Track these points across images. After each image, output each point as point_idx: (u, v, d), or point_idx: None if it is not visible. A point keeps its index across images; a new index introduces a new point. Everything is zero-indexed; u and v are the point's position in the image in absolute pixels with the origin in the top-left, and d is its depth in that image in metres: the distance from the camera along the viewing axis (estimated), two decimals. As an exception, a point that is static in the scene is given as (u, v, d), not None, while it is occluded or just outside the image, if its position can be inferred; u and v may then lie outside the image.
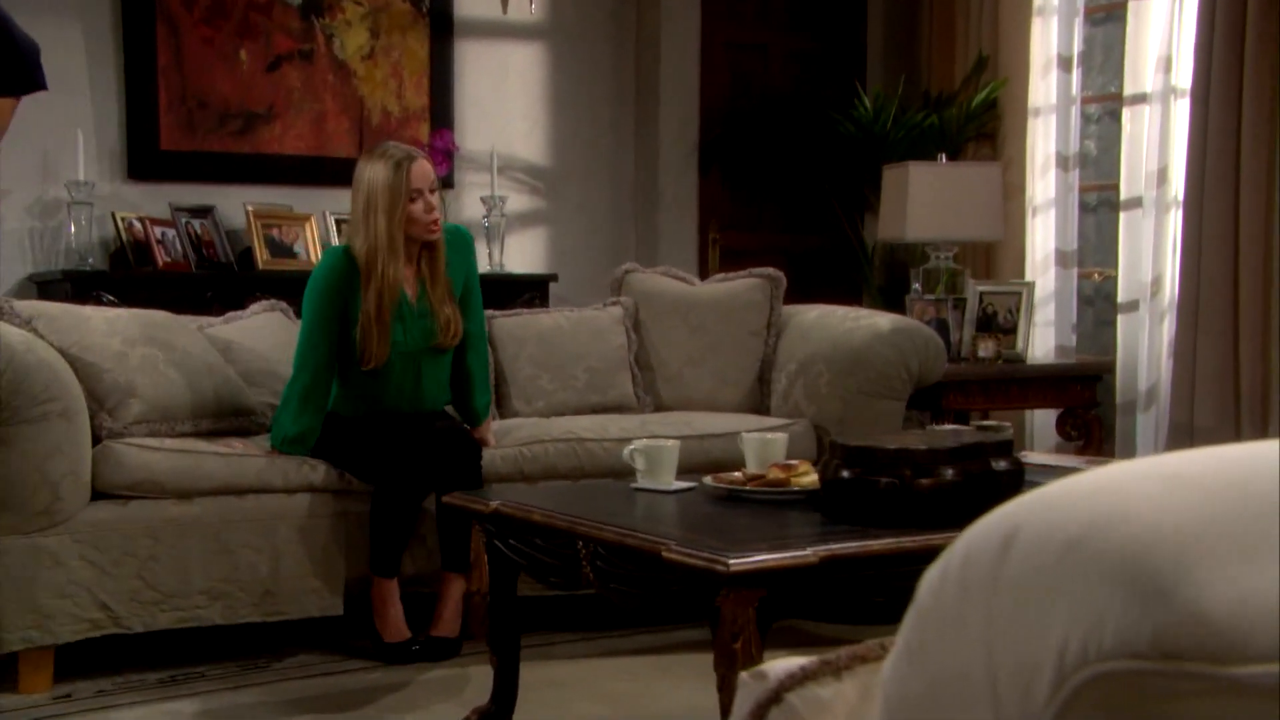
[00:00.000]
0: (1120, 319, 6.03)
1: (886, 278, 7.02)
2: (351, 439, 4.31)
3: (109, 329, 4.26)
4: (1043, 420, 6.34)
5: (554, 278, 6.69)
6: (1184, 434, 5.49)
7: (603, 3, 7.08)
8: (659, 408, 5.19)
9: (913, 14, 7.26)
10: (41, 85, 3.80)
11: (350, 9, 6.52)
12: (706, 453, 4.53)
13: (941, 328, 5.40)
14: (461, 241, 4.55)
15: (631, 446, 3.58)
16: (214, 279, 5.98)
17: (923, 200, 5.82)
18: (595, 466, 4.57)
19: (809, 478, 3.44)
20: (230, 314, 4.95)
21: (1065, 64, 6.41)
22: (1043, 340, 6.27)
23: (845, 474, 3.22)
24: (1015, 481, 3.39)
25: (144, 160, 6.16)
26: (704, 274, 6.58)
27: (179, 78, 6.19)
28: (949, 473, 3.22)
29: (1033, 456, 3.81)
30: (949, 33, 6.92)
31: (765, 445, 3.73)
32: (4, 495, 3.84)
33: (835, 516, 3.20)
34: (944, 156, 6.25)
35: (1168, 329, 5.76)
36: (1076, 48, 6.43)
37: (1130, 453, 5.85)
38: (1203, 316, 5.48)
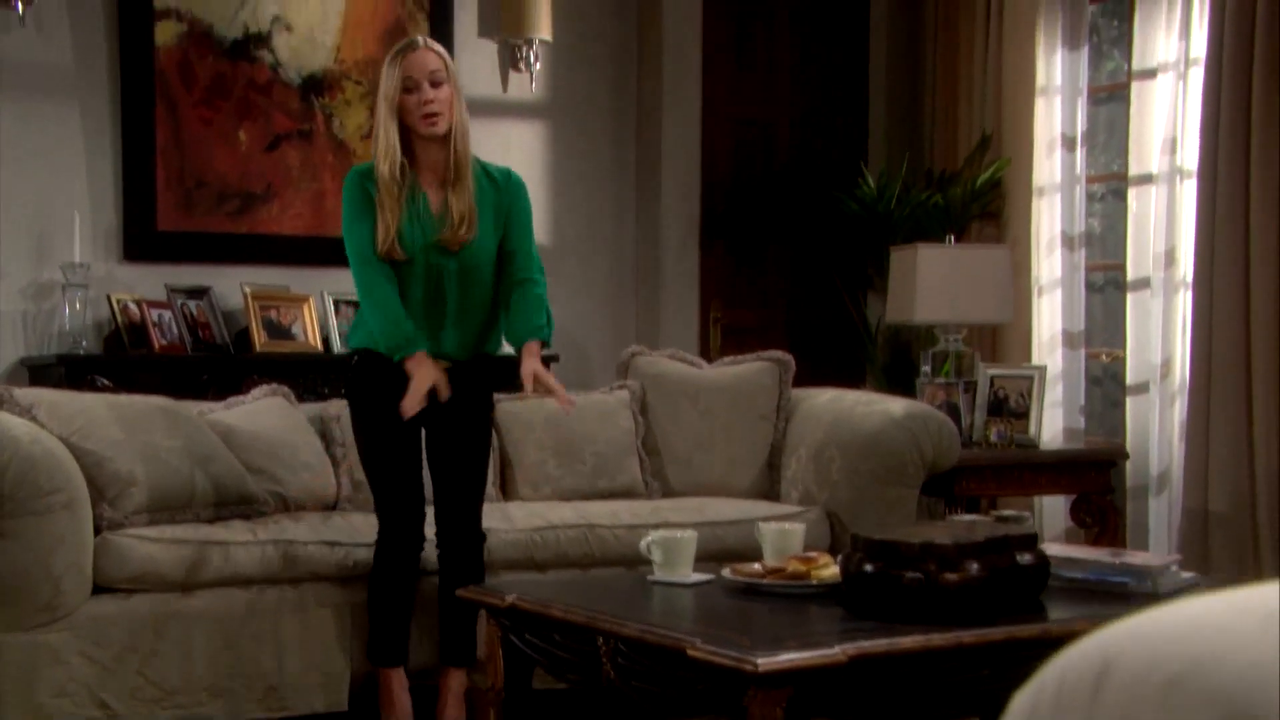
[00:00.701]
0: (1130, 401, 5.97)
1: (890, 357, 6.97)
2: (372, 400, 4.14)
3: (109, 416, 4.17)
4: (1051, 505, 6.27)
5: (554, 359, 6.62)
6: (1198, 520, 5.43)
7: (603, 80, 7.06)
8: (667, 493, 5.12)
9: (915, 92, 7.25)
10: None
11: (350, 88, 6.49)
12: (720, 540, 4.46)
13: (952, 412, 5.33)
14: (509, 181, 4.23)
15: (649, 538, 3.53)
16: (210, 361, 5.90)
17: (931, 282, 5.77)
18: (606, 554, 4.50)
19: (829, 570, 3.41)
20: (231, 399, 4.87)
21: (1069, 143, 6.40)
22: (1050, 422, 6.20)
23: (868, 568, 3.17)
24: (1041, 576, 3.33)
25: (140, 241, 6.08)
26: (705, 353, 6.52)
27: (178, 157, 6.13)
28: (974, 567, 3.17)
29: (1054, 549, 3.74)
30: (952, 111, 6.91)
31: (783, 536, 3.70)
32: (4, 590, 3.74)
33: (858, 612, 3.15)
34: (952, 237, 6.20)
35: (1179, 412, 5.70)
36: (1080, 127, 6.42)
37: (1143, 541, 5.78)
38: (1215, 399, 5.43)
